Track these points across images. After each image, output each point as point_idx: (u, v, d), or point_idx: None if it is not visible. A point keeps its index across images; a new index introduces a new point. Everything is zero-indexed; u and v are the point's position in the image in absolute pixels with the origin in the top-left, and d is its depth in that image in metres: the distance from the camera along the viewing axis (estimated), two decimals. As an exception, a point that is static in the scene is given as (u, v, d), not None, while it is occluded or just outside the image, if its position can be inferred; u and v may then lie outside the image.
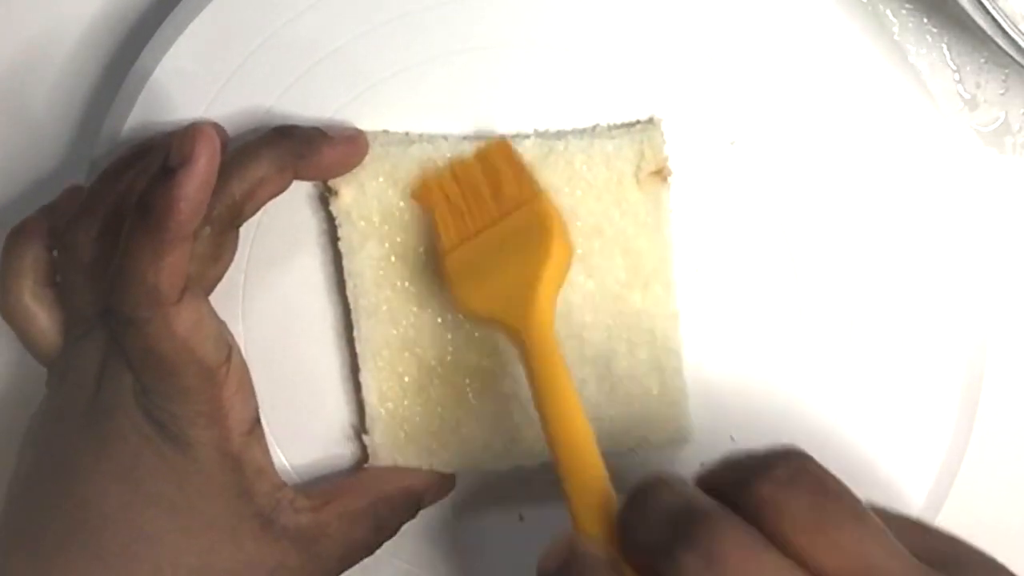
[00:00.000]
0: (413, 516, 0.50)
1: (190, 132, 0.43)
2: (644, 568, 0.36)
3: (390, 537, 0.49)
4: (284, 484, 0.48)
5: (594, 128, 0.48)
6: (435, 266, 0.48)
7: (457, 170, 0.48)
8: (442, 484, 0.50)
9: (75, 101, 0.53)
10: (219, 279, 0.47)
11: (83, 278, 0.47)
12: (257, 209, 0.46)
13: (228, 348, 0.46)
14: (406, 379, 0.49)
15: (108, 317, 0.45)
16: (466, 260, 0.47)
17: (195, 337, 0.45)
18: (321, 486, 0.49)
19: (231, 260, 0.48)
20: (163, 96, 0.49)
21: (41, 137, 0.54)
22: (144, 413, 0.45)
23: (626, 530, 0.37)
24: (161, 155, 0.45)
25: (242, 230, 0.48)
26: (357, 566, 0.49)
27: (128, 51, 0.52)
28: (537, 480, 0.50)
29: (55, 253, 0.48)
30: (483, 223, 0.47)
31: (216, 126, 0.48)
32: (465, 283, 0.47)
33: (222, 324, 0.47)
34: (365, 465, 0.50)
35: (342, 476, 0.51)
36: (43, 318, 0.48)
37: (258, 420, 0.47)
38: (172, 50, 0.49)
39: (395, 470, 0.50)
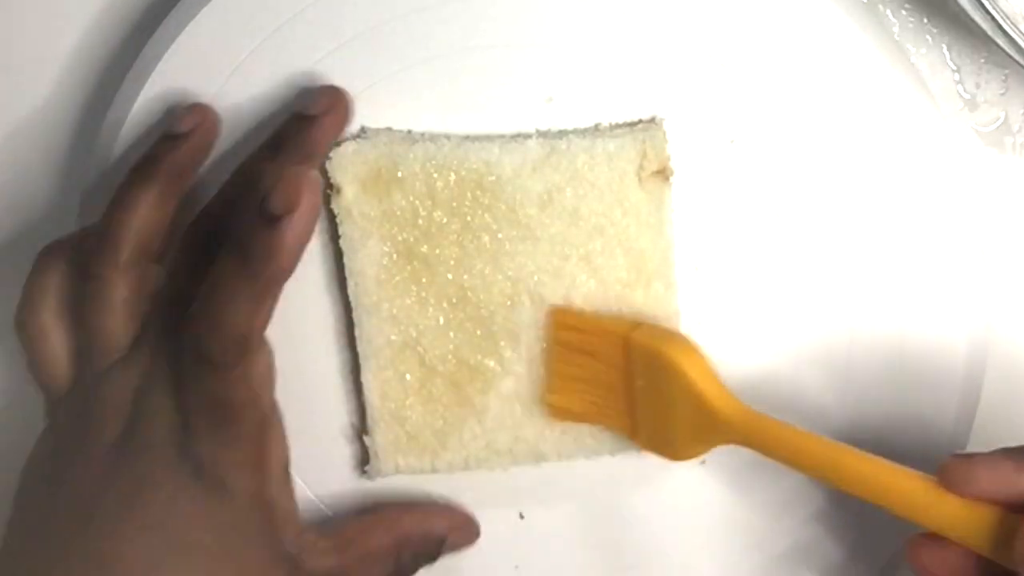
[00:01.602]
0: (434, 560, 0.49)
1: (295, 177, 0.42)
2: None
3: None
4: (306, 528, 0.47)
5: (596, 127, 0.48)
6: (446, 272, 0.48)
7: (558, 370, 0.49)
8: (466, 528, 0.50)
9: (75, 100, 0.53)
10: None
11: (107, 314, 0.46)
12: None
13: (275, 401, 0.46)
14: (407, 378, 0.49)
15: (179, 352, 0.44)
16: (649, 426, 0.48)
17: (264, 385, 0.44)
18: (341, 526, 0.49)
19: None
20: (163, 96, 0.49)
21: (41, 137, 0.54)
22: (181, 454, 0.44)
23: None
24: (168, 178, 0.46)
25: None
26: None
27: (128, 51, 0.52)
28: (537, 478, 0.50)
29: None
30: (621, 386, 0.48)
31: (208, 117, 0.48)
32: (663, 443, 0.48)
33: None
34: (367, 468, 0.50)
35: (362, 516, 0.50)
36: (58, 341, 0.47)
37: (289, 465, 0.47)
38: (172, 50, 0.48)
39: (419, 509, 0.50)
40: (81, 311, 0.46)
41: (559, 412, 0.49)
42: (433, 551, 0.49)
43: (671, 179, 0.48)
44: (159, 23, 0.49)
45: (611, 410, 0.48)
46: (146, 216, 0.46)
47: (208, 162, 0.49)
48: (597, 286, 0.48)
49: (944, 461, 0.41)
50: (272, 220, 0.41)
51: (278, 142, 0.47)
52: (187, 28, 0.48)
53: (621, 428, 0.48)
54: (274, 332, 0.48)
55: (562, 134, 0.48)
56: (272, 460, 0.46)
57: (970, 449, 0.49)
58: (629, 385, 0.47)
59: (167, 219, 0.47)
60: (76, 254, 0.47)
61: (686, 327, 0.49)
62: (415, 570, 0.49)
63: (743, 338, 0.49)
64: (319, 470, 0.51)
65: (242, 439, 0.44)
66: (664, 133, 0.48)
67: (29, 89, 0.53)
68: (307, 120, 0.46)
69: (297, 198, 0.41)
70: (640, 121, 0.48)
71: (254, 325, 0.43)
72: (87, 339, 0.46)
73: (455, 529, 0.50)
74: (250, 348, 0.43)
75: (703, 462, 0.50)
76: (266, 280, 0.42)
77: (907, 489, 0.41)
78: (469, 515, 0.50)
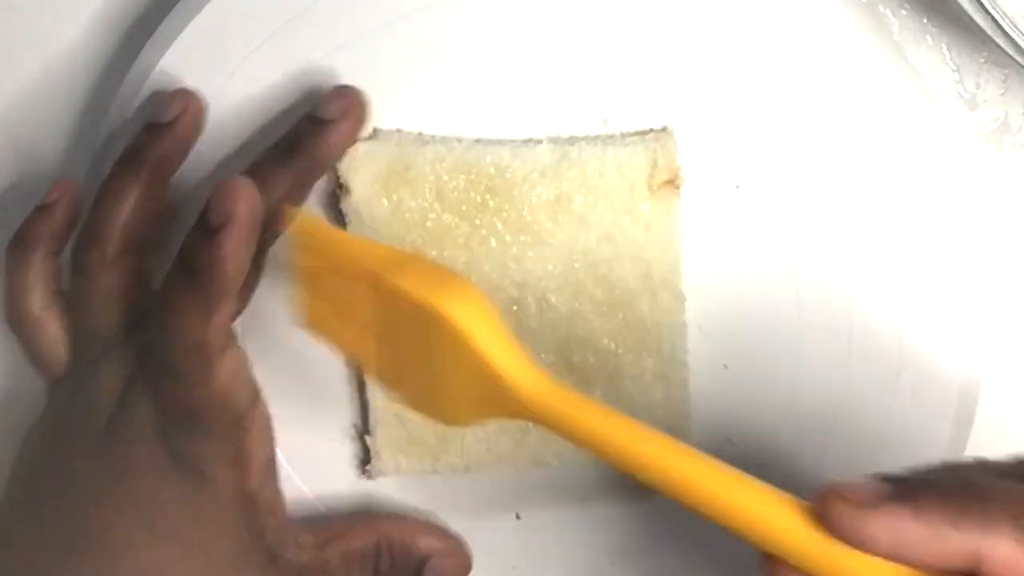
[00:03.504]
0: (414, 574, 0.49)
1: (227, 188, 0.42)
2: None
3: None
4: (290, 521, 0.47)
5: (608, 135, 0.48)
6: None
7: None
8: (455, 556, 0.49)
9: (75, 100, 0.53)
10: (247, 303, 0.47)
11: (98, 306, 0.46)
12: (283, 229, 0.45)
13: (256, 393, 0.46)
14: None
15: (144, 355, 0.45)
16: (414, 380, 0.42)
17: (231, 388, 0.44)
18: (329, 523, 0.49)
19: (257, 283, 0.47)
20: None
21: (41, 136, 0.53)
22: (162, 447, 0.44)
23: None
24: (154, 168, 0.45)
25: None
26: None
27: (128, 51, 0.51)
28: (535, 480, 0.50)
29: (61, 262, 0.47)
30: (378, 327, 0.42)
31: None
32: (432, 404, 0.43)
33: (252, 370, 0.46)
34: (368, 467, 0.50)
35: (349, 517, 0.50)
36: (52, 329, 0.47)
37: (274, 460, 0.47)
38: (172, 49, 0.48)
39: (410, 521, 0.50)
40: (73, 302, 0.47)
41: (312, 330, 0.44)
42: (412, 565, 0.49)
43: (681, 188, 0.48)
44: (159, 23, 0.49)
45: (366, 352, 0.43)
46: (132, 209, 0.46)
47: (211, 163, 0.49)
48: (604, 294, 0.48)
49: (821, 497, 0.34)
50: (210, 232, 0.42)
51: (291, 145, 0.46)
52: (188, 27, 0.48)
53: (380, 377, 0.43)
54: (276, 330, 0.48)
55: (573, 141, 0.48)
56: (252, 457, 0.46)
57: (969, 451, 0.49)
58: (389, 331, 0.41)
59: (155, 209, 0.47)
60: (51, 231, 0.47)
61: (693, 337, 0.49)
62: None
63: (748, 343, 0.49)
64: (320, 469, 0.51)
65: (216, 435, 0.44)
66: (675, 142, 0.48)
67: (29, 89, 0.53)
68: (321, 124, 0.46)
69: (233, 208, 0.42)
70: (651, 130, 0.48)
71: (207, 333, 0.43)
72: (79, 327, 0.47)
73: (442, 553, 0.49)
74: (208, 354, 0.43)
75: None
76: (212, 291, 0.42)
77: (770, 517, 0.35)
78: (461, 542, 0.50)
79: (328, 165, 0.47)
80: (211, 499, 0.45)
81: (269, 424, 0.47)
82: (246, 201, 0.42)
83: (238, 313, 0.47)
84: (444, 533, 0.50)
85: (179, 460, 0.45)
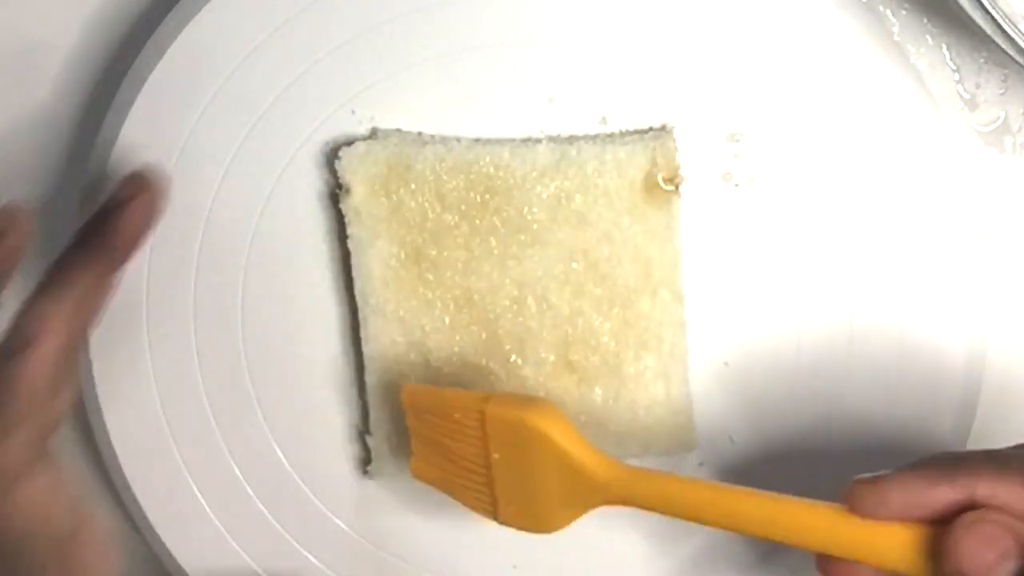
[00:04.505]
0: None
1: (33, 312, 0.41)
2: None
3: None
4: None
5: (607, 134, 0.48)
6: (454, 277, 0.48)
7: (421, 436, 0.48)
8: None
9: (75, 101, 0.53)
10: (67, 411, 0.44)
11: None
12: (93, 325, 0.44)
13: (80, 513, 0.43)
14: (412, 380, 0.49)
15: None
16: (511, 501, 0.47)
17: (43, 514, 0.42)
18: None
19: (78, 388, 0.45)
20: (161, 97, 0.49)
21: (40, 138, 0.53)
22: None
23: None
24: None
25: (239, 230, 0.48)
26: (359, 562, 0.49)
27: (127, 52, 0.51)
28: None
29: None
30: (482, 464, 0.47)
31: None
32: (532, 516, 0.47)
33: (75, 487, 0.44)
34: (368, 468, 0.50)
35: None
36: None
37: None
38: (170, 50, 0.48)
39: None
40: None
41: (422, 478, 0.48)
42: None
43: (680, 187, 0.48)
44: (159, 23, 0.49)
45: (471, 490, 0.47)
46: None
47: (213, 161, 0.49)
48: (604, 292, 0.48)
49: (849, 487, 0.40)
50: (7, 356, 0.41)
51: (84, 239, 0.45)
52: (187, 28, 0.48)
53: (482, 509, 0.47)
54: (277, 331, 0.48)
55: (572, 140, 0.48)
56: None
57: (970, 447, 0.49)
58: (486, 461, 0.46)
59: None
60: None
61: (692, 335, 0.49)
62: None
63: (748, 344, 0.49)
64: (321, 470, 0.51)
65: (39, 569, 0.42)
66: (674, 141, 0.48)
67: (28, 89, 0.53)
68: (112, 211, 0.45)
69: (36, 333, 0.41)
70: (650, 129, 0.48)
71: (4, 461, 0.41)
72: None
73: None
74: (6, 482, 0.41)
75: (701, 464, 0.50)
76: (8, 417, 0.41)
77: (814, 524, 0.40)
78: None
79: (130, 251, 0.45)
80: None
81: (104, 545, 0.44)
82: (52, 329, 0.41)
83: (56, 421, 0.44)
84: None
85: None
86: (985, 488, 0.37)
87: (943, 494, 0.38)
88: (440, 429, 0.47)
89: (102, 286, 0.44)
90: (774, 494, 0.41)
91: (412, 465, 0.48)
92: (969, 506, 0.37)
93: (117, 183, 0.46)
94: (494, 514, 0.47)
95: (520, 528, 0.47)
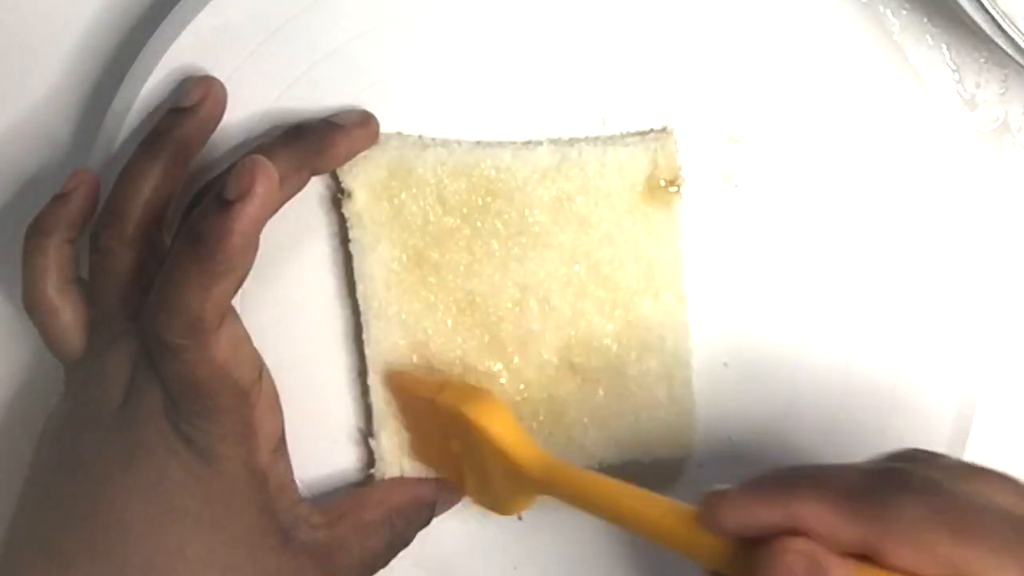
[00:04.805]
0: (427, 524, 0.50)
1: (249, 165, 0.42)
2: None
3: (404, 547, 0.49)
4: (301, 500, 0.48)
5: (608, 136, 0.48)
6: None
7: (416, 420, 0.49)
8: (453, 492, 0.51)
9: (76, 99, 0.53)
10: (240, 286, 0.46)
11: (115, 285, 0.46)
12: (276, 211, 0.45)
13: (260, 368, 0.46)
14: (414, 381, 0.49)
15: (144, 335, 0.45)
16: (475, 483, 0.48)
17: (232, 362, 0.44)
18: (334, 500, 0.49)
19: (251, 265, 0.47)
20: (163, 95, 0.48)
21: (42, 136, 0.53)
22: (172, 427, 0.45)
23: None
24: (175, 150, 0.46)
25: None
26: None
27: (129, 50, 0.51)
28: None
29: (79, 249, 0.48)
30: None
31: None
32: (495, 501, 0.48)
33: (252, 343, 0.46)
34: (372, 470, 0.50)
35: (354, 488, 0.51)
36: (67, 314, 0.47)
37: (283, 436, 0.47)
38: (172, 48, 0.48)
39: (405, 481, 0.50)
40: (90, 282, 0.47)
41: (419, 459, 0.50)
42: (425, 516, 0.50)
43: (681, 188, 0.48)
44: (159, 22, 0.49)
45: (449, 469, 0.49)
46: (152, 189, 0.47)
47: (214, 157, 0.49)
48: (606, 294, 0.48)
49: (702, 498, 0.40)
50: (225, 204, 0.42)
51: (299, 132, 0.47)
52: (187, 28, 0.48)
53: (460, 485, 0.49)
54: (280, 334, 0.48)
55: (573, 142, 0.48)
56: (260, 432, 0.46)
57: (970, 450, 0.49)
58: (450, 445, 0.48)
59: (174, 191, 0.47)
60: (69, 219, 0.47)
61: (693, 336, 0.49)
62: (409, 538, 0.49)
63: (749, 346, 0.49)
64: (325, 472, 0.51)
65: (222, 412, 0.45)
66: (675, 142, 0.48)
67: (30, 88, 0.53)
68: (335, 127, 0.47)
69: (251, 184, 0.42)
70: (651, 130, 0.48)
71: (204, 308, 0.43)
72: (96, 310, 0.47)
73: (443, 492, 0.50)
74: (204, 329, 0.43)
75: (701, 465, 0.50)
76: (216, 263, 0.42)
77: (672, 526, 0.40)
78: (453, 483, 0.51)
79: (332, 163, 0.47)
80: (221, 478, 0.45)
81: (275, 400, 0.47)
82: (265, 180, 0.42)
83: (240, 286, 0.46)
84: (437, 481, 0.51)
85: (187, 439, 0.45)
86: (800, 509, 0.36)
87: (767, 516, 0.37)
88: (422, 414, 0.48)
89: (300, 177, 0.46)
90: (646, 492, 0.41)
91: (410, 445, 0.49)
92: (791, 529, 0.36)
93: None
94: (469, 492, 0.49)
95: (487, 508, 0.49)
